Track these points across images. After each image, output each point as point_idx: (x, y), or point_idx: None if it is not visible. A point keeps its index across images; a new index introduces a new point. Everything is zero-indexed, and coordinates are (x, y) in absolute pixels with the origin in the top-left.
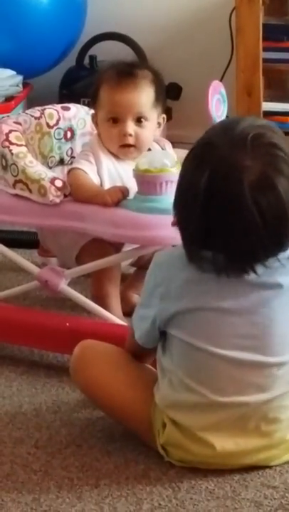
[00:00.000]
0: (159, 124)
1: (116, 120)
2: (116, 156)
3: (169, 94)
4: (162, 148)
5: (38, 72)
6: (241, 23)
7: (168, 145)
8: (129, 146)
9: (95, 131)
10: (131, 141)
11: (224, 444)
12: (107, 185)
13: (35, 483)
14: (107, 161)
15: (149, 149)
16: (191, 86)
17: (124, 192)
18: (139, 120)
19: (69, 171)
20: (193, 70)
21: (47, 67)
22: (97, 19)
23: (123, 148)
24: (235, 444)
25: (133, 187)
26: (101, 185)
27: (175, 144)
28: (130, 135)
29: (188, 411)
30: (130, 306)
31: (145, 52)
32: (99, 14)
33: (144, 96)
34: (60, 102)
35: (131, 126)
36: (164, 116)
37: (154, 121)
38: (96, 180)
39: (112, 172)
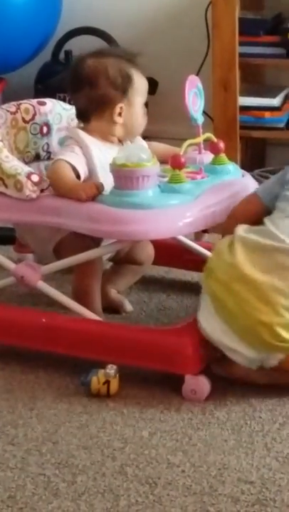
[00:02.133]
0: None
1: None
2: (103, 142)
3: None
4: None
5: (12, 67)
6: (217, 18)
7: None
8: None
9: (72, 125)
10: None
11: None
12: (100, 174)
13: (11, 480)
14: (96, 149)
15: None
16: (168, 81)
17: (99, 187)
18: None
19: (54, 162)
20: (169, 64)
21: (22, 62)
22: (72, 13)
23: None
24: None
25: None
26: (92, 174)
27: (151, 138)
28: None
29: None
30: (108, 301)
31: (121, 47)
32: (74, 8)
33: None
34: (36, 97)
35: None
36: None
37: None
38: (83, 171)
39: (101, 159)
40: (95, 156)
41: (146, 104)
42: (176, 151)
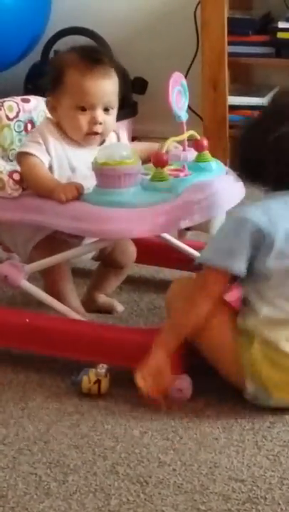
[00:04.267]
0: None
1: (84, 108)
2: (68, 139)
3: (134, 88)
4: (116, 134)
5: (2, 67)
6: (206, 17)
7: (121, 130)
8: (96, 133)
9: (46, 115)
10: (99, 129)
11: None
12: (55, 168)
13: (2, 479)
14: (54, 143)
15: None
16: (157, 80)
17: (79, 189)
18: (106, 109)
19: (19, 156)
20: (158, 64)
21: (11, 63)
22: (62, 14)
23: (89, 135)
24: None
25: (80, 167)
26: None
27: (141, 138)
28: (100, 123)
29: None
30: (96, 306)
31: (111, 47)
32: (64, 9)
33: (113, 84)
34: None
35: (101, 115)
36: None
37: (116, 108)
38: (47, 160)
39: (59, 154)
40: (52, 147)
41: (136, 104)
42: (156, 147)
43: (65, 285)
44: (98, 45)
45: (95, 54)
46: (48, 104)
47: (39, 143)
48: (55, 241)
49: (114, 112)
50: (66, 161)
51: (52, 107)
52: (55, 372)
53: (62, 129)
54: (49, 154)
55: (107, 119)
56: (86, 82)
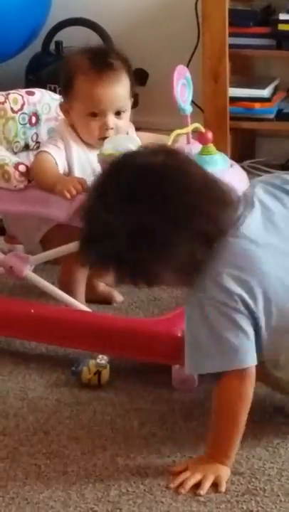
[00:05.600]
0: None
1: (95, 114)
2: (87, 143)
3: (135, 80)
4: (126, 132)
5: (3, 58)
6: (207, 9)
7: (131, 129)
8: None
9: (61, 117)
10: (111, 133)
11: None
12: (76, 172)
13: (2, 470)
14: (77, 148)
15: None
16: (158, 72)
17: (83, 184)
18: (118, 113)
19: (36, 155)
20: (159, 55)
21: (12, 54)
22: (62, 4)
23: (102, 140)
24: None
25: None
26: (70, 171)
27: (142, 130)
28: (112, 128)
29: None
30: (96, 294)
31: (111, 38)
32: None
33: (124, 89)
34: (27, 88)
35: (112, 120)
36: (132, 98)
37: (129, 110)
38: (63, 165)
39: (82, 159)
40: (75, 152)
41: (136, 96)
42: (163, 140)
43: (80, 276)
44: (107, 44)
45: (105, 58)
46: (61, 107)
47: (58, 147)
48: (68, 228)
49: (126, 115)
50: (89, 167)
51: (65, 111)
52: (55, 363)
53: (76, 131)
54: (71, 160)
55: (119, 123)
56: (96, 90)
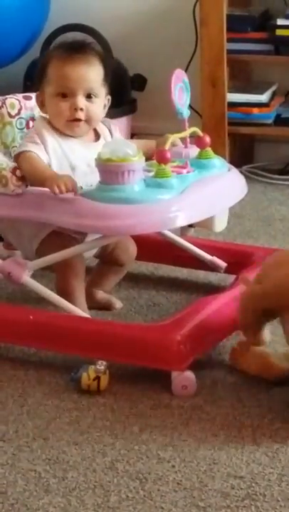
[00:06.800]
0: (104, 105)
1: (65, 95)
2: (61, 134)
3: (133, 85)
4: (108, 129)
5: (1, 64)
6: (205, 14)
7: (113, 126)
8: (79, 120)
9: (39, 114)
10: (81, 115)
11: None
12: (53, 164)
13: (2, 476)
14: (51, 139)
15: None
16: (156, 77)
17: (72, 182)
18: (89, 96)
19: (17, 156)
20: (157, 61)
21: (11, 59)
22: (61, 10)
23: (72, 122)
24: None
25: (79, 165)
26: (49, 164)
27: (140, 135)
28: (81, 109)
29: None
30: (96, 302)
31: (110, 44)
32: (63, 5)
33: (94, 71)
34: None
35: (82, 101)
36: (110, 98)
37: (102, 98)
38: (46, 158)
39: (57, 150)
40: (50, 144)
41: (135, 101)
42: (150, 145)
43: (77, 285)
44: (87, 39)
45: (78, 44)
46: (37, 100)
47: (37, 143)
48: (64, 236)
49: (98, 101)
50: (66, 161)
51: (41, 102)
52: (54, 369)
53: (51, 123)
54: (48, 154)
55: (91, 107)
56: (65, 68)
